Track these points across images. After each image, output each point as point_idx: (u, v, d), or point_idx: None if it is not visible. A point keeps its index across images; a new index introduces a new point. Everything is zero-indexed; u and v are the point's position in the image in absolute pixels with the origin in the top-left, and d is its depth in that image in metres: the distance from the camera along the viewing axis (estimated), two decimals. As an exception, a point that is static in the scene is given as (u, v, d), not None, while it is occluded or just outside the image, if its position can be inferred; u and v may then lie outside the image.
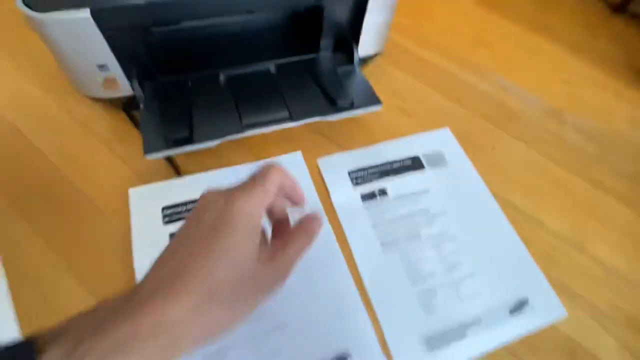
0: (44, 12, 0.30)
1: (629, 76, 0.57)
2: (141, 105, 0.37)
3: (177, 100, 0.38)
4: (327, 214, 0.38)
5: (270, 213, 0.27)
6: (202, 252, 0.20)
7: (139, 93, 0.37)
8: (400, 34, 0.56)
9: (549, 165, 0.45)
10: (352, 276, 0.35)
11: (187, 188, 0.38)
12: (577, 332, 0.34)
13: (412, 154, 0.43)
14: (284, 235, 0.25)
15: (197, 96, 0.39)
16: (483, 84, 0.52)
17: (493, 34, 0.60)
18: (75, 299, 0.32)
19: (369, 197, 0.40)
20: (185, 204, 0.37)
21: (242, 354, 0.30)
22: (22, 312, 0.31)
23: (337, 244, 0.36)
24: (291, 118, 0.38)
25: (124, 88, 0.37)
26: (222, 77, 0.41)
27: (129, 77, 0.36)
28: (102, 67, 0.34)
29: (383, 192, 0.40)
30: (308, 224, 0.25)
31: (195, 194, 0.37)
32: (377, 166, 0.42)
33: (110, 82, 0.36)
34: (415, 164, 0.43)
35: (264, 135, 0.38)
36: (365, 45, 0.44)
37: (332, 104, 0.40)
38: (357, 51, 0.44)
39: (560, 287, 0.36)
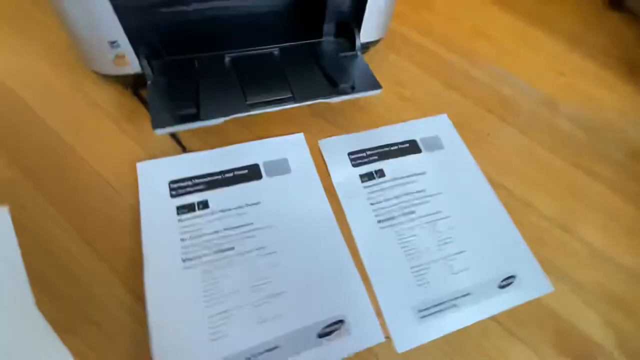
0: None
1: (622, 70, 0.59)
2: (149, 82, 0.39)
3: (184, 79, 0.40)
4: (327, 192, 0.40)
5: None
6: None
7: (148, 70, 0.38)
8: (402, 23, 0.57)
9: (541, 152, 0.47)
10: (350, 251, 0.37)
11: (193, 164, 0.39)
12: (562, 306, 0.36)
13: (410, 137, 0.45)
14: None
15: (204, 76, 0.40)
16: (481, 73, 0.54)
17: (492, 25, 0.61)
18: (84, 264, 0.33)
19: (367, 177, 0.41)
20: (190, 179, 0.38)
21: (246, 316, 0.31)
22: (33, 274, 0.32)
23: (335, 221, 0.38)
24: (294, 99, 0.40)
25: (133, 65, 0.38)
26: (227, 59, 0.42)
27: (138, 54, 0.37)
28: (113, 43, 0.35)
29: (381, 173, 0.42)
30: None
31: (200, 170, 0.39)
32: (375, 148, 0.43)
33: (120, 59, 0.37)
34: (412, 147, 0.44)
35: (267, 116, 0.40)
36: (367, 32, 0.45)
37: (334, 87, 0.42)
38: (359, 37, 0.45)
39: (548, 265, 0.38)
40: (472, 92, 0.52)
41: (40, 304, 0.31)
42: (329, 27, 0.46)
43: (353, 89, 0.42)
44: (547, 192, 0.44)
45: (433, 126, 0.47)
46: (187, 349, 0.30)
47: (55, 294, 0.32)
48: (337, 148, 0.43)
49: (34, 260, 0.33)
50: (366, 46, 0.48)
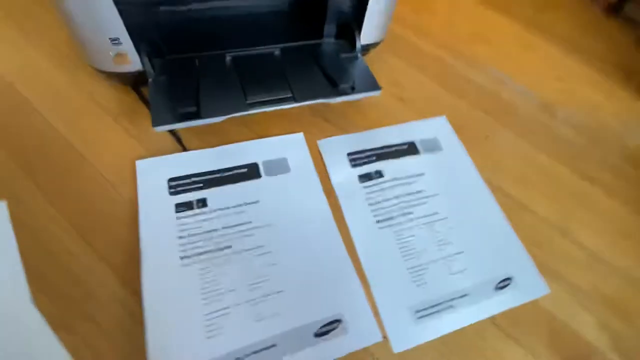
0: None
1: (619, 76, 0.59)
2: (150, 80, 0.39)
3: (185, 77, 0.40)
4: (326, 192, 0.40)
5: None
6: None
7: (149, 68, 0.38)
8: (402, 26, 0.57)
9: (539, 155, 0.48)
10: (348, 251, 0.37)
11: (192, 162, 0.39)
12: (557, 308, 0.37)
13: (409, 139, 0.45)
14: None
15: (204, 74, 0.41)
16: (480, 77, 0.54)
17: (491, 29, 0.62)
18: (82, 261, 0.33)
19: (366, 177, 0.42)
20: (190, 176, 0.38)
21: (243, 314, 0.31)
22: (30, 270, 0.32)
23: (334, 221, 0.38)
24: (294, 99, 0.40)
25: (134, 63, 0.38)
26: (228, 58, 0.43)
27: (139, 52, 0.38)
28: (114, 41, 0.35)
29: (379, 174, 0.42)
30: None
31: (199, 168, 0.39)
32: (374, 149, 0.44)
33: (121, 57, 0.37)
34: (411, 148, 0.45)
35: (267, 115, 0.40)
36: (368, 33, 0.46)
37: (334, 88, 0.42)
38: (360, 39, 0.45)
39: (544, 268, 0.39)
40: (471, 95, 0.52)
41: (37, 301, 0.30)
42: (329, 28, 0.46)
43: (353, 90, 0.42)
44: (544, 195, 0.44)
45: (432, 128, 0.47)
46: (183, 346, 0.30)
47: (53, 290, 0.32)
48: (336, 148, 0.43)
49: (31, 256, 0.33)
50: (366, 48, 0.48)
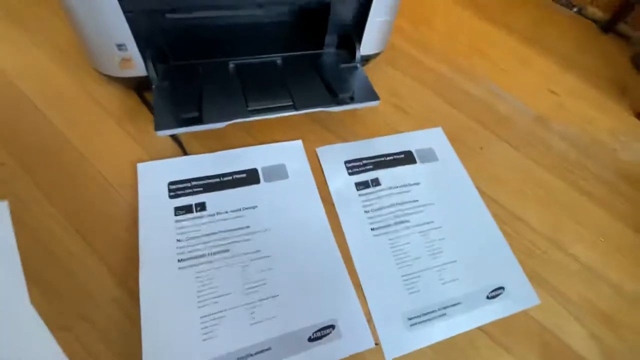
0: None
1: (613, 91, 0.61)
2: (154, 85, 0.40)
3: (188, 83, 0.41)
4: (323, 199, 0.41)
5: None
6: None
7: (153, 74, 0.39)
8: (401, 38, 0.59)
9: (533, 168, 0.49)
10: (343, 257, 0.37)
11: (193, 166, 0.40)
12: (548, 319, 0.37)
13: (406, 148, 0.46)
14: None
15: (207, 81, 0.42)
16: (476, 89, 0.56)
17: (488, 43, 0.63)
18: (81, 261, 0.34)
19: (363, 185, 0.42)
20: (189, 180, 0.39)
21: (238, 318, 0.32)
22: (29, 269, 0.33)
23: (330, 227, 0.39)
24: (294, 107, 0.41)
25: (138, 68, 0.39)
26: (231, 65, 0.44)
27: (144, 58, 0.39)
28: (120, 46, 0.36)
29: (376, 182, 0.43)
30: None
31: (199, 173, 0.40)
32: (371, 158, 0.45)
33: (126, 62, 0.38)
34: (407, 158, 0.45)
35: (267, 122, 0.41)
36: (368, 45, 0.47)
37: (333, 97, 0.43)
38: (360, 49, 0.46)
39: (536, 278, 0.39)
40: (467, 107, 0.53)
41: (34, 300, 0.31)
42: (330, 38, 0.47)
43: (352, 100, 0.43)
44: (538, 207, 0.45)
45: (428, 138, 0.48)
46: (178, 348, 0.30)
47: (50, 289, 0.32)
48: (334, 156, 0.44)
49: (30, 255, 0.33)
50: (366, 59, 0.50)
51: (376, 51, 0.49)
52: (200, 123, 0.37)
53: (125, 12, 0.34)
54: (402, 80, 0.54)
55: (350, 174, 0.43)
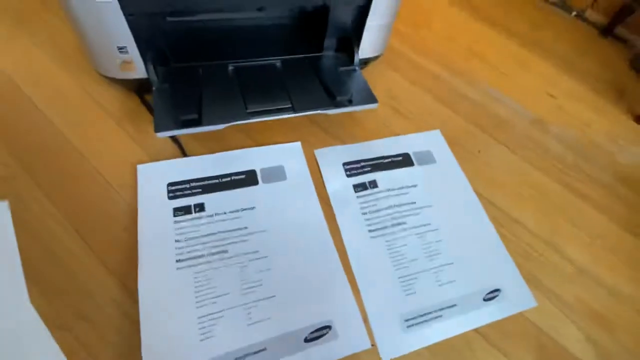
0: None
1: (611, 94, 0.61)
2: (154, 87, 0.40)
3: (188, 85, 0.41)
4: (321, 201, 0.41)
5: None
6: None
7: (153, 76, 0.40)
8: (400, 41, 0.59)
9: (530, 170, 0.49)
10: (341, 258, 0.38)
11: (192, 167, 0.41)
12: (544, 321, 0.37)
13: (404, 151, 0.46)
14: None
15: (207, 83, 0.42)
16: (474, 92, 0.56)
17: (487, 46, 0.63)
18: (80, 261, 0.34)
19: (360, 187, 0.43)
20: (189, 181, 0.39)
21: (235, 318, 0.32)
22: (29, 269, 0.33)
23: (328, 229, 0.39)
24: (293, 109, 0.41)
25: (139, 71, 0.40)
26: (231, 68, 0.44)
27: (145, 61, 0.39)
28: (121, 49, 0.37)
29: (374, 184, 0.43)
30: None
31: (199, 174, 0.40)
32: (370, 160, 0.45)
33: (127, 64, 0.38)
34: (405, 160, 0.46)
35: (266, 124, 0.41)
36: (366, 48, 0.47)
37: (332, 99, 0.43)
38: (358, 53, 0.47)
39: (532, 281, 0.39)
40: (465, 110, 0.53)
41: (33, 299, 0.31)
42: (329, 42, 0.47)
43: (350, 102, 0.43)
44: (535, 210, 0.45)
45: (426, 141, 0.48)
46: (176, 347, 0.31)
47: (50, 289, 0.33)
48: (332, 158, 0.44)
49: (30, 255, 0.34)
50: (365, 62, 0.50)
51: (375, 54, 0.49)
52: (199, 125, 0.38)
53: (126, 15, 0.34)
54: (401, 83, 0.55)
55: (348, 176, 0.43)
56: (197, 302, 0.33)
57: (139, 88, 0.45)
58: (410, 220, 0.41)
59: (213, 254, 0.35)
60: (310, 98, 0.43)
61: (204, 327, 0.32)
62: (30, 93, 0.44)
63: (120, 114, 0.44)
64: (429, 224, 0.41)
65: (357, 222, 0.40)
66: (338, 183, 0.43)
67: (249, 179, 0.41)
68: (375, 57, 0.50)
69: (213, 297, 0.33)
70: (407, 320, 0.35)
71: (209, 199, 0.39)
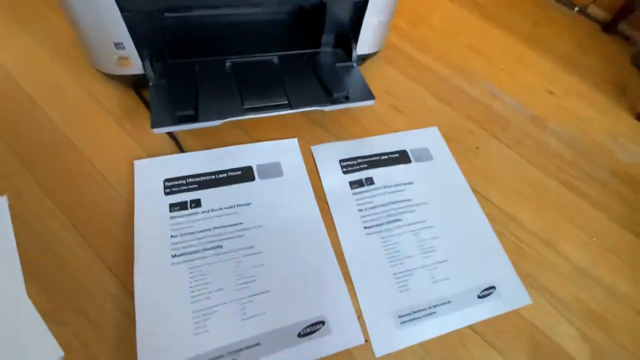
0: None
1: (612, 92, 0.60)
2: (150, 84, 0.40)
3: (184, 81, 0.41)
4: (317, 197, 0.41)
5: None
6: None
7: (150, 72, 0.40)
8: (399, 37, 0.59)
9: (528, 168, 0.49)
10: (335, 254, 0.38)
11: (188, 163, 0.41)
12: (539, 319, 0.37)
13: (401, 148, 0.46)
14: None
15: (204, 79, 0.42)
16: (473, 89, 0.56)
17: (487, 43, 0.63)
18: (77, 256, 0.35)
19: (357, 184, 0.43)
20: (185, 177, 0.40)
21: (229, 313, 0.32)
22: (27, 264, 0.33)
23: (323, 225, 0.39)
24: (289, 105, 0.41)
25: (135, 67, 0.40)
26: (227, 64, 0.44)
27: (142, 57, 0.39)
28: (118, 45, 0.37)
29: (370, 181, 0.43)
30: None
31: (195, 170, 0.40)
32: (366, 157, 0.45)
33: (124, 60, 0.39)
34: (402, 157, 0.46)
35: (263, 120, 0.41)
36: (364, 44, 0.47)
37: (329, 96, 0.43)
38: (356, 49, 0.46)
39: (528, 278, 0.39)
40: (464, 106, 0.53)
41: (31, 294, 0.32)
42: (327, 38, 0.47)
43: (347, 99, 0.43)
44: (532, 207, 0.45)
45: (423, 138, 0.48)
46: (170, 342, 0.31)
47: (47, 284, 0.33)
48: (329, 154, 0.44)
49: (28, 250, 0.34)
50: (363, 58, 0.50)
51: (373, 50, 0.49)
52: (196, 121, 0.38)
53: (122, 11, 0.34)
54: (399, 80, 0.55)
55: (344, 172, 0.43)
56: (192, 297, 0.33)
57: (136, 84, 0.45)
58: (405, 217, 0.41)
59: (208, 249, 0.36)
60: (307, 94, 0.43)
61: (198, 322, 0.32)
62: (29, 89, 0.44)
63: (117, 110, 0.44)
64: (425, 221, 0.41)
65: (352, 219, 0.40)
66: (334, 180, 0.43)
67: (245, 175, 0.41)
68: (374, 54, 0.50)
69: (208, 292, 0.33)
70: (401, 317, 0.35)
71: (205, 195, 0.39)
